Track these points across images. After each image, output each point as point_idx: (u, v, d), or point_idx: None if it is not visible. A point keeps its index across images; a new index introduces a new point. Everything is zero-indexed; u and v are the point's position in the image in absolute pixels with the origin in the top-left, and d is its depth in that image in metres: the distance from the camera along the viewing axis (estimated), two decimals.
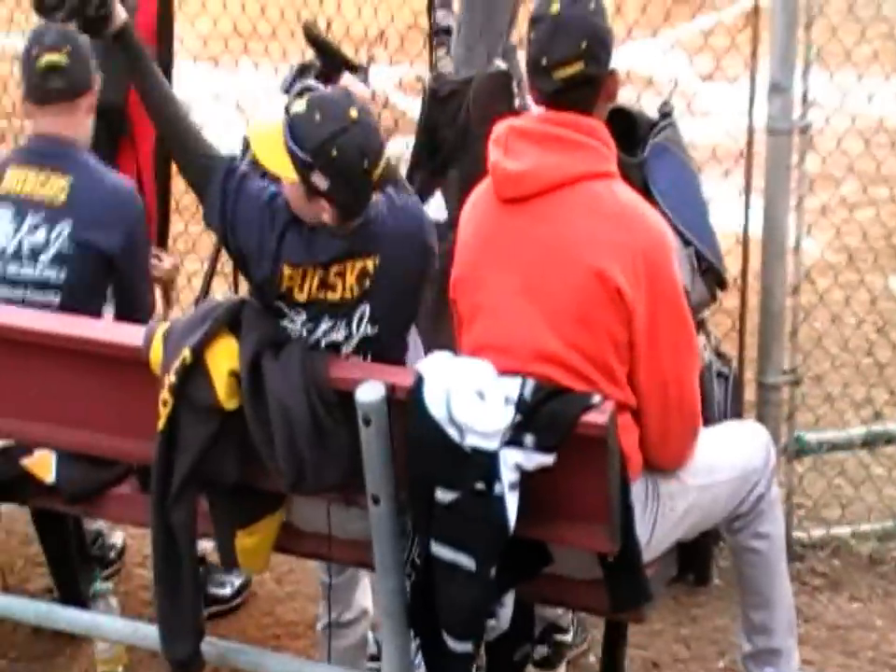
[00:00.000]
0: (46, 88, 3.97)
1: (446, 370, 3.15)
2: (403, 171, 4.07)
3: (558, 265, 3.18)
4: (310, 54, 4.74)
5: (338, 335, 3.41)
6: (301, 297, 3.39)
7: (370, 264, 3.38)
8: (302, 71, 4.64)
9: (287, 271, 3.37)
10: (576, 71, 3.20)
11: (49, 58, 3.95)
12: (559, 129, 3.21)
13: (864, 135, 5.00)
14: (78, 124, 4.04)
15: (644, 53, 7.10)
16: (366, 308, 3.40)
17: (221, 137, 7.45)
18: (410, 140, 5.90)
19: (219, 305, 3.41)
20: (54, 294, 3.92)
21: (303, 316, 3.41)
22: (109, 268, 3.98)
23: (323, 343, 3.41)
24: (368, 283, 3.37)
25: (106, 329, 3.78)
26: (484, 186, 3.36)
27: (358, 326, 3.40)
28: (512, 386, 3.09)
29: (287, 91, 4.62)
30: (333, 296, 3.39)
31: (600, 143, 3.24)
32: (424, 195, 4.34)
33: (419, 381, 3.15)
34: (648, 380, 3.22)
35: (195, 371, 3.30)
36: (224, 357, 3.32)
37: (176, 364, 3.30)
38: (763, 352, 4.29)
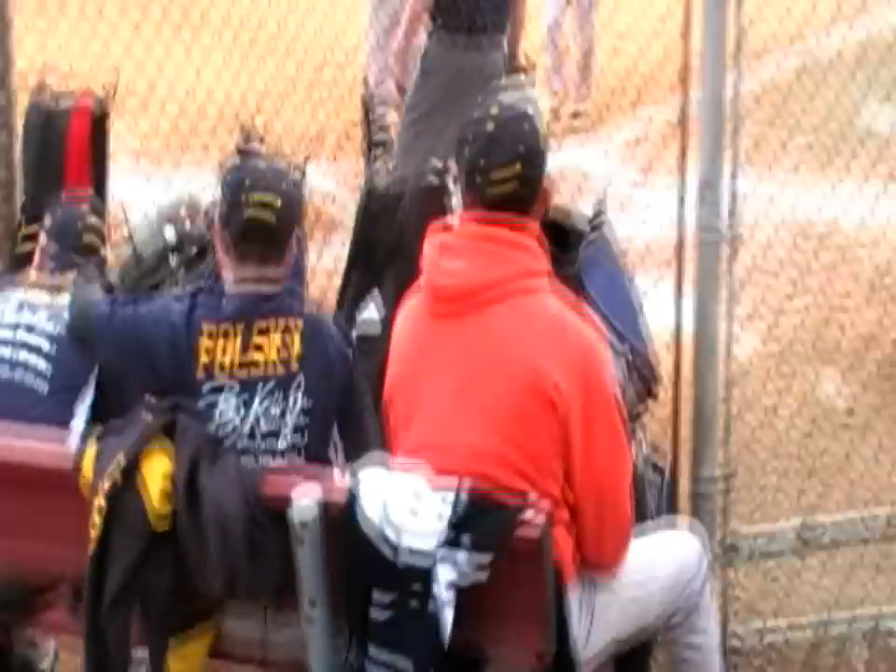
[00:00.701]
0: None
1: (380, 484, 3.15)
2: None
3: (494, 364, 3.20)
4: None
5: (275, 409, 3.42)
6: (226, 367, 3.38)
7: (293, 324, 3.41)
8: None
9: (204, 341, 3.36)
10: (514, 173, 3.24)
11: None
12: (492, 229, 3.24)
13: (789, 238, 5.10)
14: None
15: (579, 155, 7.20)
16: (301, 378, 3.42)
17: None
18: (344, 238, 5.96)
19: (150, 418, 3.38)
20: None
21: (235, 391, 3.39)
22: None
23: (262, 425, 3.41)
24: (298, 346, 3.39)
25: (31, 449, 3.63)
26: (417, 297, 3.37)
27: (294, 398, 3.41)
28: (446, 501, 3.08)
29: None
30: (260, 357, 3.39)
31: (532, 240, 3.27)
32: (360, 294, 4.37)
33: (353, 497, 3.14)
34: (583, 478, 3.23)
35: (126, 492, 3.27)
36: (159, 467, 3.29)
37: (106, 484, 3.28)
38: (696, 449, 4.32)
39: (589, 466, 3.23)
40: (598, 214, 4.24)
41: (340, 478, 3.23)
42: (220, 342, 3.42)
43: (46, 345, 4.05)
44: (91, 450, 3.36)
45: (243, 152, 3.72)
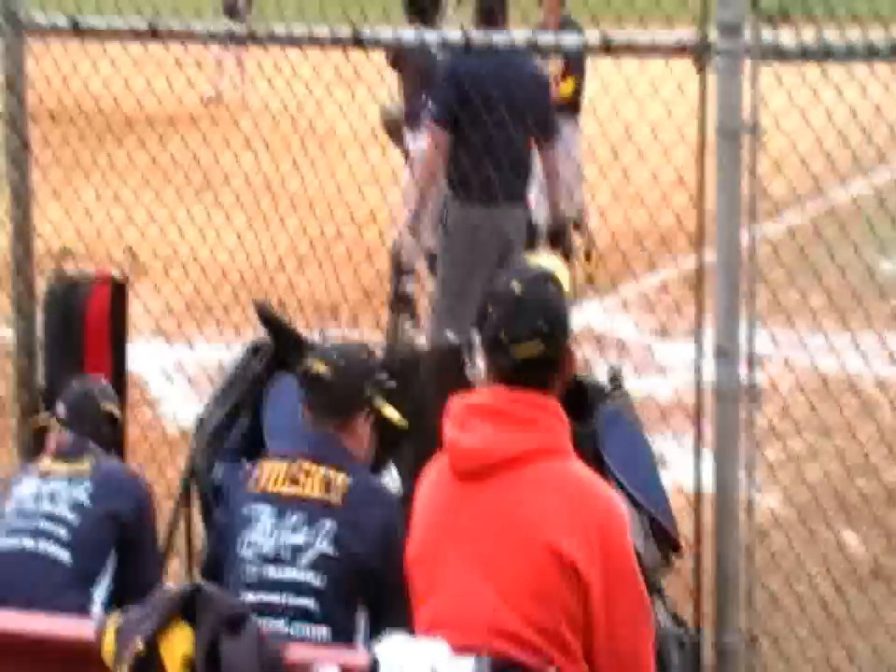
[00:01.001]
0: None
1: (401, 653, 3.12)
2: None
3: (514, 542, 3.19)
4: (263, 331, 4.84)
5: (298, 538, 3.62)
6: (271, 487, 3.72)
7: (337, 477, 3.70)
8: (256, 349, 4.73)
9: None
10: (534, 350, 3.27)
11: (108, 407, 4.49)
12: (512, 405, 3.26)
13: (809, 391, 5.10)
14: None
15: (593, 313, 7.25)
16: (331, 524, 3.64)
17: (178, 412, 7.61)
18: None
19: (171, 592, 3.38)
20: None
21: (269, 509, 3.68)
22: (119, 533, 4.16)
23: (284, 543, 3.64)
24: (334, 496, 3.65)
25: (54, 623, 3.63)
26: (439, 461, 3.39)
27: (319, 536, 3.62)
28: (466, 670, 3.06)
29: (240, 370, 4.71)
30: (298, 490, 3.67)
31: (554, 420, 3.28)
32: (377, 468, 4.38)
33: (374, 665, 3.11)
34: (604, 653, 3.19)
35: (149, 664, 3.26)
36: (179, 644, 3.28)
37: (129, 657, 3.26)
38: (719, 613, 4.27)
39: (611, 641, 3.20)
40: (616, 371, 4.25)
41: (360, 655, 3.22)
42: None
43: (68, 514, 4.08)
44: (111, 630, 3.35)
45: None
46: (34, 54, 5.17)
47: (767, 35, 3.83)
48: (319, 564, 3.70)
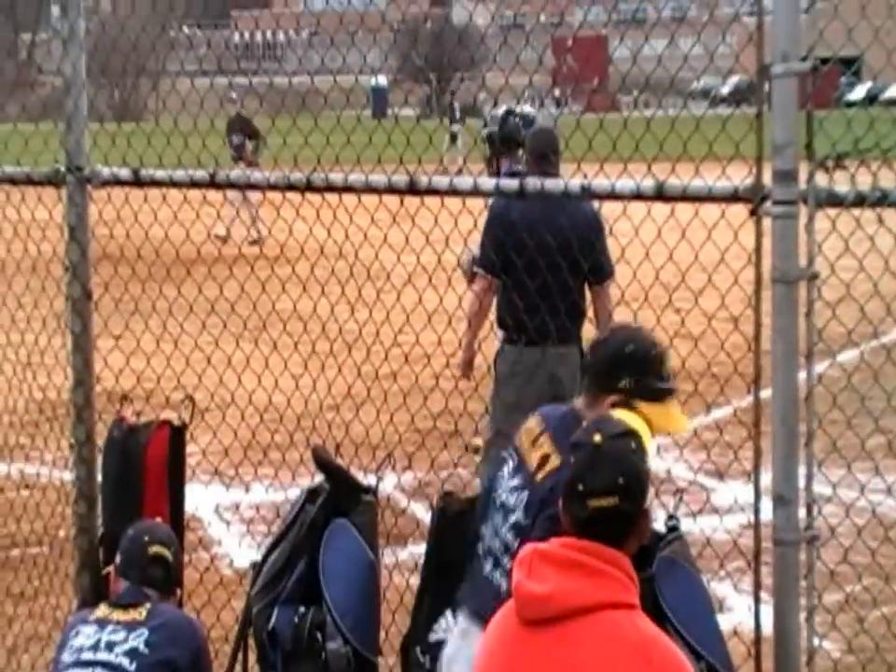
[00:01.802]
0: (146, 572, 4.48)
1: None
2: None
3: None
4: (319, 476, 4.86)
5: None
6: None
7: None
8: (312, 494, 4.75)
9: None
10: (610, 504, 3.28)
11: (157, 550, 4.53)
12: (582, 555, 3.27)
13: (868, 535, 5.04)
14: None
15: (652, 456, 7.21)
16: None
17: (235, 555, 7.61)
18: (415, 549, 5.94)
19: None
20: None
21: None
22: None
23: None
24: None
25: None
26: (507, 607, 3.38)
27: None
28: None
29: (297, 515, 4.72)
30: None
31: (623, 573, 3.28)
32: (434, 615, 4.36)
33: None
34: None
35: None
36: None
37: None
38: None
39: None
40: (672, 516, 4.24)
41: None
42: None
43: (126, 662, 4.10)
44: None
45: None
46: (94, 200, 5.28)
47: (822, 181, 3.86)
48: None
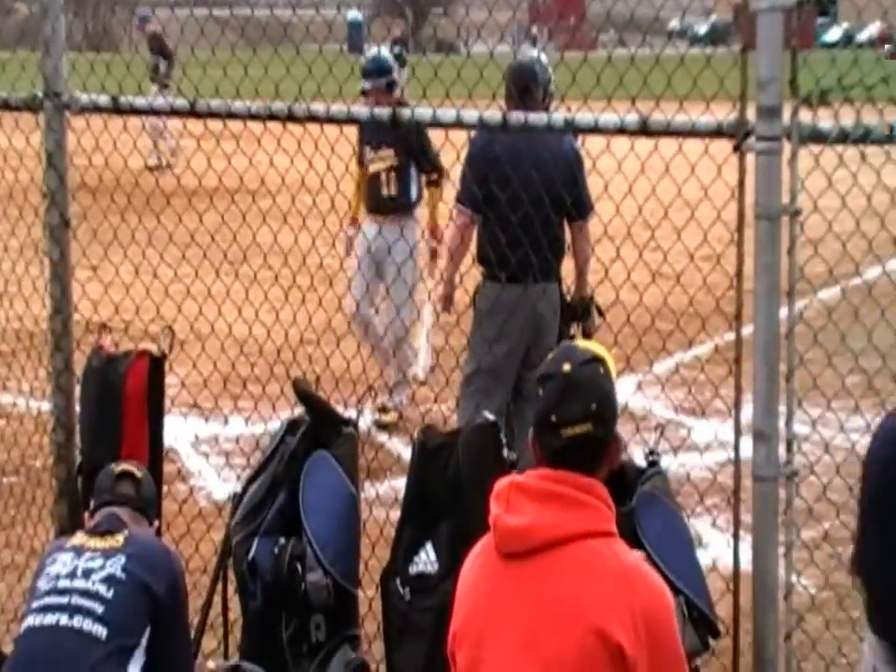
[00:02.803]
0: (113, 490, 4.44)
1: None
2: None
3: (558, 622, 3.18)
4: (300, 409, 4.86)
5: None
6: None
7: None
8: (292, 426, 4.75)
9: None
10: (584, 431, 3.28)
11: (125, 467, 4.49)
12: (559, 486, 3.27)
13: (847, 473, 5.05)
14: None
15: (628, 392, 7.22)
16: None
17: (214, 486, 7.61)
18: (395, 483, 5.96)
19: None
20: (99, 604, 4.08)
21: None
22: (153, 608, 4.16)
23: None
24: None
25: None
26: (485, 540, 3.39)
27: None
28: None
29: (277, 446, 4.72)
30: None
31: (600, 502, 3.29)
32: (414, 548, 4.37)
33: None
34: None
35: None
36: None
37: None
38: None
39: None
40: (653, 451, 4.25)
41: None
42: None
43: (102, 589, 4.09)
44: None
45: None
46: (73, 128, 5.23)
47: (806, 117, 3.84)
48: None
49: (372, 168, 8.97)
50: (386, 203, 8.94)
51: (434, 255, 8.90)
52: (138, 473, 4.47)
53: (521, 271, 6.65)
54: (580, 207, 6.99)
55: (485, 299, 7.03)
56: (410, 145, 8.77)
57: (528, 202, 5.99)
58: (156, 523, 4.58)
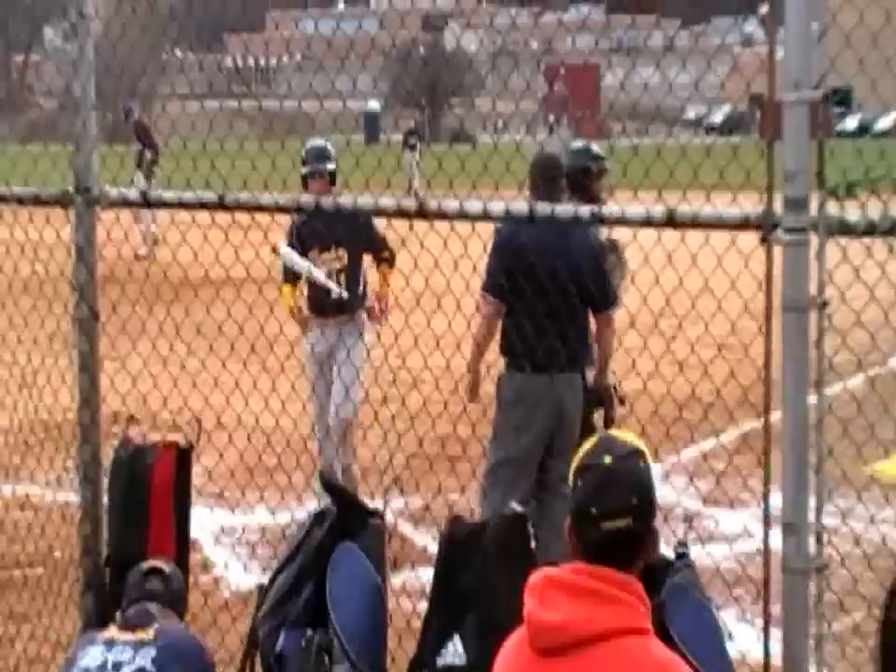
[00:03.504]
0: (142, 586, 4.50)
1: None
2: None
3: None
4: (326, 500, 4.85)
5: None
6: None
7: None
8: (319, 517, 4.74)
9: None
10: (624, 525, 3.26)
11: (153, 563, 4.58)
12: (595, 582, 3.24)
13: (878, 567, 5.03)
14: None
15: (656, 481, 7.20)
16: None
17: (238, 578, 7.59)
18: (421, 574, 5.92)
19: None
20: None
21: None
22: None
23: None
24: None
25: None
26: (519, 633, 3.36)
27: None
28: None
29: (304, 538, 4.71)
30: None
31: (636, 598, 3.26)
32: (441, 639, 4.34)
33: None
34: None
35: None
36: None
37: None
38: None
39: None
40: (682, 542, 4.22)
41: None
42: None
43: None
44: None
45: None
46: (101, 220, 5.29)
47: (833, 209, 3.86)
48: None
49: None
50: (335, 306, 8.36)
51: (371, 313, 8.53)
52: (166, 569, 4.48)
53: (546, 361, 6.65)
54: (604, 298, 7.01)
55: (510, 389, 7.02)
56: (362, 239, 8.45)
57: (554, 292, 6.01)
58: (187, 618, 4.58)
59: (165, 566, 4.50)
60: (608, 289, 7.01)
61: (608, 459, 3.31)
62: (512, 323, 6.90)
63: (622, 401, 7.22)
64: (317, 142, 8.84)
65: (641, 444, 3.45)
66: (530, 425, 6.86)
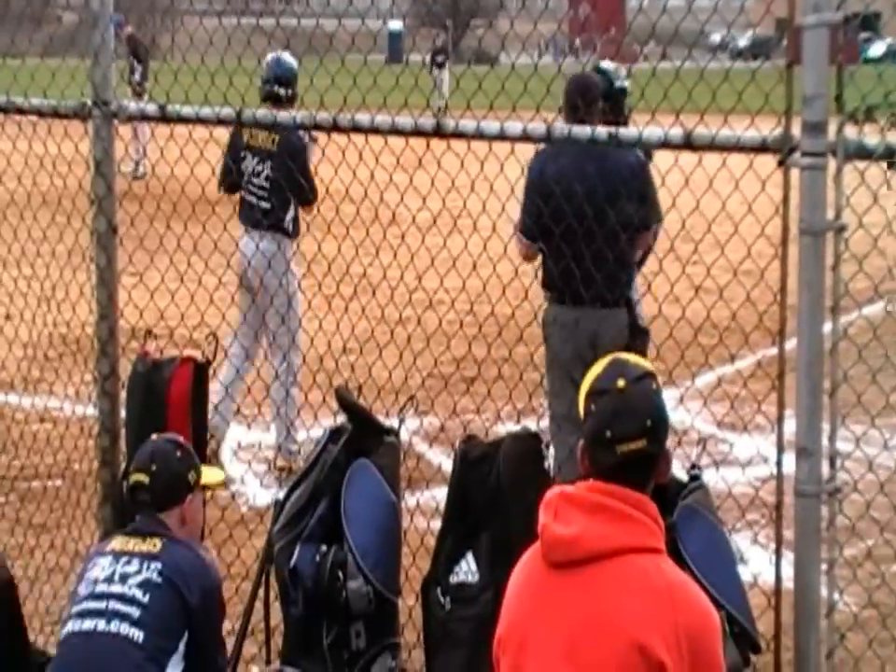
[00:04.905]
0: (134, 501, 4.46)
1: None
2: None
3: (601, 635, 3.19)
4: (342, 417, 4.88)
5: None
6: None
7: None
8: (335, 434, 4.77)
9: None
10: (639, 447, 3.29)
11: (135, 477, 4.45)
12: (609, 499, 3.27)
13: (891, 491, 5.04)
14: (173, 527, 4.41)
15: (670, 406, 7.21)
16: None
17: (255, 493, 7.64)
18: (436, 493, 5.97)
19: None
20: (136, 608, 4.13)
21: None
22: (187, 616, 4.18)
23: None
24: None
25: None
26: (533, 549, 3.40)
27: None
28: None
29: (319, 454, 4.74)
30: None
31: (649, 518, 3.29)
32: (455, 557, 4.39)
33: None
34: None
35: None
36: None
37: None
38: None
39: None
40: (695, 465, 4.25)
41: None
42: None
43: (139, 593, 4.13)
44: None
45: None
46: (121, 136, 5.28)
47: (851, 133, 3.84)
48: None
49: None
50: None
51: None
52: (144, 478, 4.43)
53: (583, 293, 6.27)
54: (644, 217, 6.65)
55: (547, 322, 6.83)
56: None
57: (591, 217, 5.84)
58: (188, 498, 4.50)
59: (143, 470, 4.46)
60: (648, 206, 6.68)
61: (621, 382, 3.33)
62: (550, 255, 6.67)
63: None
64: (279, 61, 8.48)
65: (651, 367, 3.46)
66: (565, 356, 6.69)
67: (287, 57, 8.52)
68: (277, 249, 7.92)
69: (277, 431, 8.18)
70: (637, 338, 6.72)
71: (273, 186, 8.11)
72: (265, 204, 8.19)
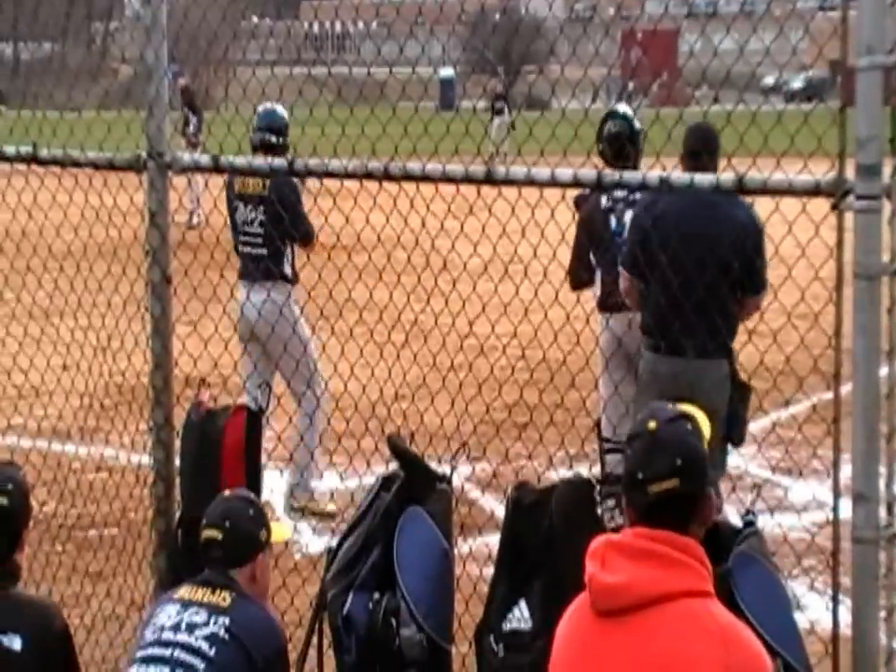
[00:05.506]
0: (206, 557, 4.45)
1: None
2: None
3: None
4: (394, 464, 4.88)
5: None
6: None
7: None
8: (387, 481, 4.77)
9: None
10: (670, 487, 3.28)
11: (207, 533, 4.46)
12: (655, 545, 3.26)
13: None
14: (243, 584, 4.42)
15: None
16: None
17: (308, 541, 7.64)
18: (488, 539, 5.95)
19: None
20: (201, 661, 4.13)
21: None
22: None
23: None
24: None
25: None
26: (581, 598, 3.39)
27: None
28: None
29: (372, 502, 4.74)
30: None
31: (696, 561, 3.28)
32: (508, 605, 4.36)
33: None
34: None
35: None
36: None
37: None
38: None
39: None
40: (750, 510, 4.21)
41: None
42: None
43: (205, 646, 4.13)
44: None
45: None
46: (174, 186, 5.33)
47: None
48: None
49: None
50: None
51: None
52: (217, 535, 4.46)
53: (682, 342, 6.11)
54: (753, 281, 6.32)
55: (643, 370, 6.63)
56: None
57: (692, 264, 5.69)
58: (259, 557, 4.54)
59: (217, 527, 4.48)
60: (753, 271, 6.28)
61: (652, 424, 3.34)
62: (648, 299, 6.51)
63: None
64: (273, 112, 8.47)
65: (695, 411, 3.45)
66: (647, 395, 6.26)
67: (280, 109, 8.53)
68: (286, 298, 7.83)
69: (291, 473, 8.17)
70: (738, 390, 6.35)
71: (268, 231, 8.00)
72: (261, 251, 8.03)
